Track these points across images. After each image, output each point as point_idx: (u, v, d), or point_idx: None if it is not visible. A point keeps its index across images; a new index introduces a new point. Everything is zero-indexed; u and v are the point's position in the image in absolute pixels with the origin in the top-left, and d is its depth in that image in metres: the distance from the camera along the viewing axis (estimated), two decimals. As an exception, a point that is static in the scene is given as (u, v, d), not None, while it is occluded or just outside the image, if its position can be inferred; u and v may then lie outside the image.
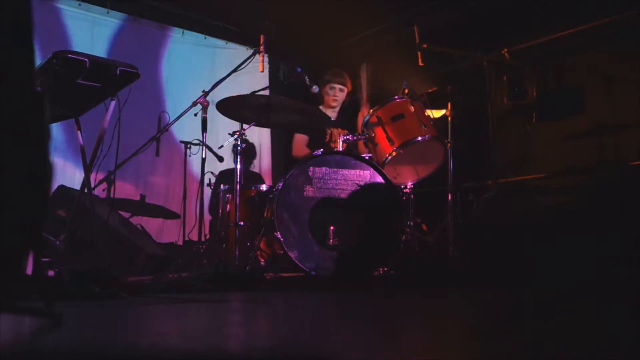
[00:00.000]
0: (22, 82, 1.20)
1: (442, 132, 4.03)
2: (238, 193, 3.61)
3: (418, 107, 3.85)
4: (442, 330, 1.53)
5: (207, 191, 4.95)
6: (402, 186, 3.95)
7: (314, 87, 4.02)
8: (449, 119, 4.30)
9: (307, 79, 3.99)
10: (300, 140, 4.52)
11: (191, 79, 5.89)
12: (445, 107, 4.31)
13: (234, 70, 3.86)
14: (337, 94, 4.53)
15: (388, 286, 3.09)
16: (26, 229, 1.19)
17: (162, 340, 1.29)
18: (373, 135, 3.82)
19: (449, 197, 4.25)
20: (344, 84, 4.54)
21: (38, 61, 2.64)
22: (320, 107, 4.49)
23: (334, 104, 4.56)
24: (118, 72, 2.85)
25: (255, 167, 6.24)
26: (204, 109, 3.82)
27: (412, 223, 3.88)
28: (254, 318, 1.84)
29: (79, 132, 3.16)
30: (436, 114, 4.13)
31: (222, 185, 4.16)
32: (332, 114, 4.60)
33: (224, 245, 3.74)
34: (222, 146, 3.90)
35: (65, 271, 2.33)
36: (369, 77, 4.41)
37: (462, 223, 4.05)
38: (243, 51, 6.24)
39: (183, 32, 6.24)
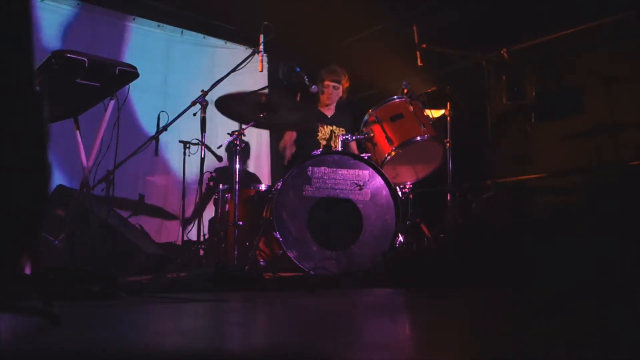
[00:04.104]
0: (21, 82, 1.19)
1: (441, 132, 4.03)
2: (237, 193, 3.61)
3: (417, 107, 3.85)
4: (442, 330, 1.52)
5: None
6: (401, 186, 3.95)
7: (313, 86, 4.02)
8: (448, 118, 4.30)
9: (307, 79, 3.99)
10: (288, 136, 4.61)
11: (190, 79, 5.88)
12: (445, 107, 4.31)
13: (233, 70, 3.85)
14: (330, 92, 4.55)
15: (387, 286, 3.08)
16: (25, 228, 1.19)
17: (161, 340, 1.28)
18: (372, 135, 3.82)
19: (448, 197, 4.25)
20: (337, 81, 4.56)
21: (37, 61, 2.64)
22: (318, 105, 4.52)
23: (327, 101, 4.59)
24: (117, 71, 2.85)
25: (252, 167, 6.24)
26: (203, 108, 3.82)
27: (411, 223, 3.88)
28: (253, 318, 1.84)
29: (77, 131, 3.15)
30: (435, 113, 4.13)
31: (221, 185, 4.16)
32: (328, 112, 4.61)
33: (223, 245, 3.74)
34: (220, 146, 3.90)
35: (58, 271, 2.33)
36: None
37: (461, 223, 4.05)
38: (242, 51, 6.24)
39: (182, 32, 6.23)
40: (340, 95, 4.63)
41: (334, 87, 4.56)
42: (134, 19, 5.87)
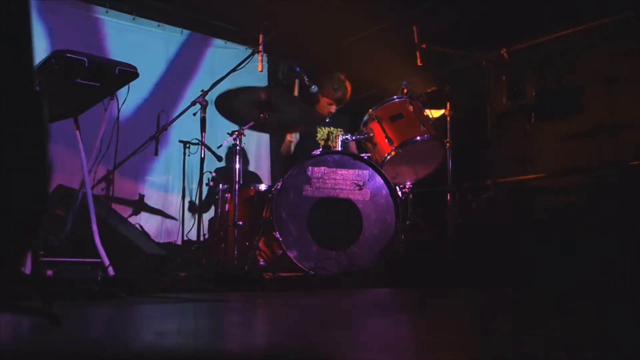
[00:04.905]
0: (21, 82, 1.19)
1: (441, 132, 4.03)
2: (237, 193, 3.61)
3: (417, 107, 3.85)
4: (442, 330, 1.52)
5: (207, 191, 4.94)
6: (401, 186, 3.95)
7: (313, 86, 4.02)
8: (448, 118, 4.29)
9: (307, 79, 3.99)
10: (290, 137, 4.59)
11: (190, 79, 5.88)
12: (444, 107, 4.31)
13: (233, 70, 3.85)
14: (332, 109, 4.56)
15: (387, 286, 3.08)
16: (25, 228, 1.19)
17: (161, 340, 1.28)
18: (372, 134, 3.82)
19: (448, 197, 4.25)
20: (340, 102, 4.56)
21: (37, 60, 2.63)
22: (316, 107, 4.53)
23: (327, 114, 4.59)
24: (117, 71, 2.84)
25: (252, 167, 6.24)
26: (203, 108, 3.82)
27: (411, 223, 3.88)
28: (253, 318, 1.84)
29: (77, 131, 3.15)
30: (435, 113, 4.13)
31: (220, 185, 4.16)
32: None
33: (222, 245, 3.74)
34: (220, 146, 3.90)
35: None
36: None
37: (461, 223, 4.05)
38: (242, 51, 6.24)
39: (182, 32, 6.23)
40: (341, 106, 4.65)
41: (336, 107, 4.58)
42: (133, 19, 5.87)
